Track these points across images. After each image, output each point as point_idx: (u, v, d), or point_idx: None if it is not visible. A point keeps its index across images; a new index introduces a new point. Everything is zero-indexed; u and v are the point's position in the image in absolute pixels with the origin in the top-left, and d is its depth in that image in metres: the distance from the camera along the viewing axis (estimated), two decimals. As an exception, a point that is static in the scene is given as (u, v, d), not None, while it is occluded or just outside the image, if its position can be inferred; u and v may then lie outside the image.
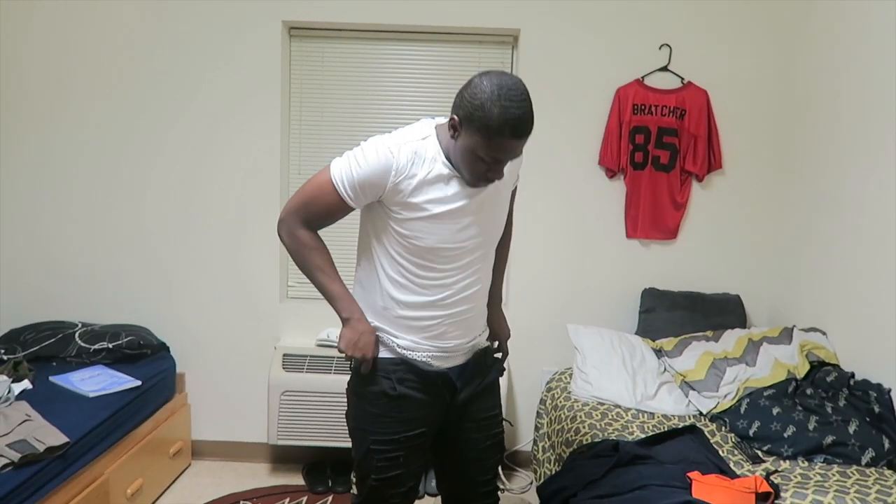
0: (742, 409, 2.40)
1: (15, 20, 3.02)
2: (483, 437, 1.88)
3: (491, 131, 1.52)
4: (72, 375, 2.71)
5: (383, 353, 1.76)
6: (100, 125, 3.10)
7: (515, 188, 1.93)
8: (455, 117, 1.59)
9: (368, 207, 1.72)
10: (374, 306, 1.76)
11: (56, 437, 2.16)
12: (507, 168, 1.69)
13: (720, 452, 2.18)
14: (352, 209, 1.70)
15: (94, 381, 2.68)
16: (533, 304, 3.16)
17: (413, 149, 1.63)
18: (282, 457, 3.22)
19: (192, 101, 3.08)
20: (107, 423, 2.47)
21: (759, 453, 2.21)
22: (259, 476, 3.13)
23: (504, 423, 2.02)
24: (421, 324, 1.74)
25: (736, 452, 2.23)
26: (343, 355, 1.75)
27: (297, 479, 3.08)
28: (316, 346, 3.12)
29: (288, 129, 3.20)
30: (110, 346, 2.90)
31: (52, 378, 2.69)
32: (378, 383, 1.75)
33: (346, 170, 1.65)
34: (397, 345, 1.74)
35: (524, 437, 3.22)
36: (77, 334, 2.95)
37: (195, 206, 3.14)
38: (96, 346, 2.89)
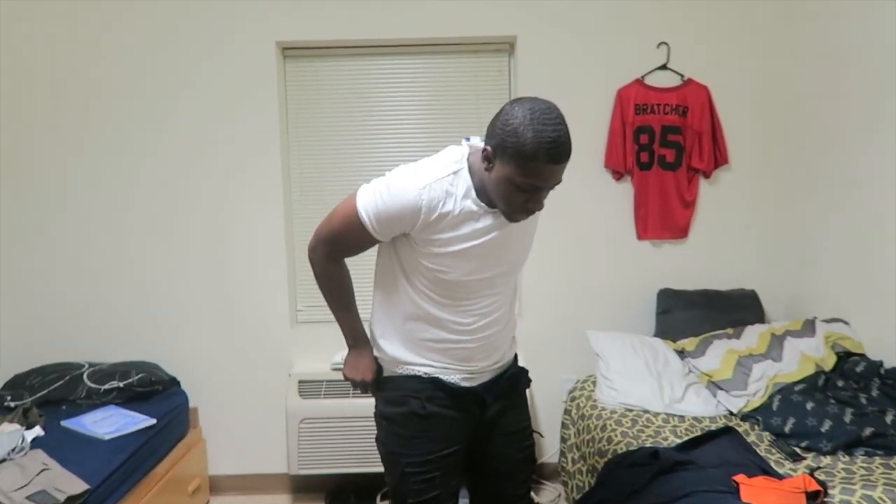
0: (774, 406, 2.36)
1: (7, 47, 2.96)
2: (514, 450, 1.85)
3: (525, 157, 1.44)
4: (84, 418, 2.63)
5: (410, 373, 1.72)
6: (97, 156, 3.03)
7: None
8: (488, 148, 1.51)
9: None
10: (399, 329, 1.72)
11: (76, 486, 2.08)
12: None
13: (758, 452, 2.14)
14: (378, 240, 1.67)
15: (108, 423, 2.59)
16: (548, 312, 3.12)
17: (443, 187, 1.55)
18: (303, 486, 3.14)
19: (189, 129, 3.03)
20: (125, 465, 2.39)
21: (798, 450, 2.17)
22: (281, 507, 3.06)
23: (535, 434, 1.98)
24: (445, 346, 1.70)
25: (774, 451, 2.19)
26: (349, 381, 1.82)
27: (321, 508, 3.01)
28: (331, 370, 3.04)
29: (288, 152, 3.15)
30: (121, 384, 2.82)
31: (63, 422, 2.60)
32: (407, 404, 1.71)
33: (371, 205, 1.59)
34: (424, 365, 1.70)
35: (549, 448, 3.16)
36: (85, 375, 2.86)
37: (196, 235, 3.08)
38: (106, 386, 2.81)
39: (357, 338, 1.82)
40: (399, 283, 1.69)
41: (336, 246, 1.70)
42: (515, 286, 1.86)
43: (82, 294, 3.09)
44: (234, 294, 3.11)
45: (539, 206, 1.55)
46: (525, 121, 1.43)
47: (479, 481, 1.89)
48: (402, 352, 1.72)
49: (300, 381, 2.98)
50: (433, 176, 1.56)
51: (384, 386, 1.77)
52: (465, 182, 1.58)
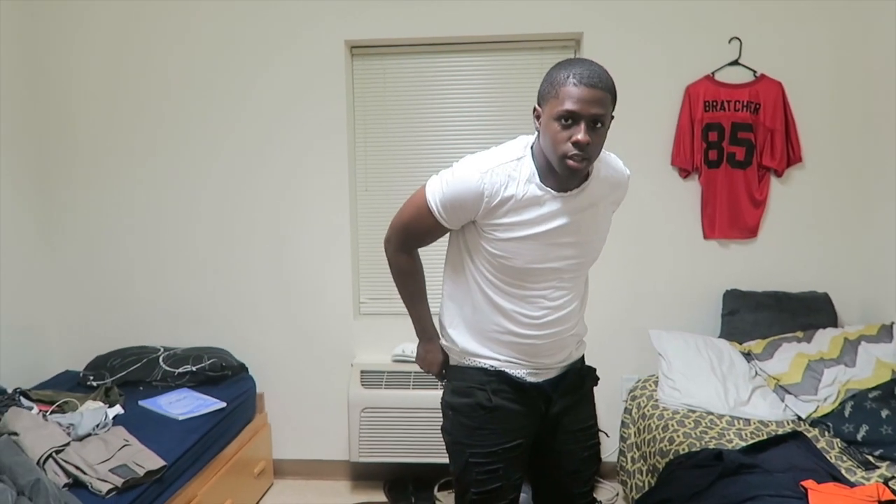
0: (846, 413, 2.29)
1: (64, 49, 3.14)
2: (579, 448, 1.84)
3: (557, 84, 1.52)
4: (160, 399, 2.77)
5: (477, 364, 1.74)
6: (170, 154, 3.17)
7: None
8: (535, 107, 1.61)
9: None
10: (467, 320, 1.75)
11: (153, 461, 2.20)
12: (607, 189, 1.68)
13: (828, 459, 2.08)
14: (448, 229, 1.70)
15: (182, 405, 2.72)
16: (610, 310, 3.08)
17: (506, 171, 1.59)
18: (362, 474, 3.22)
19: (259, 125, 3.13)
20: (197, 445, 2.51)
21: (871, 458, 2.10)
22: (341, 494, 3.14)
23: (600, 433, 1.97)
24: (512, 339, 1.71)
25: (845, 458, 2.13)
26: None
27: (379, 496, 3.07)
28: (392, 361, 3.11)
29: (353, 148, 3.22)
30: (194, 368, 2.95)
31: (141, 402, 2.74)
32: (473, 395, 1.74)
33: (438, 191, 1.64)
34: (490, 358, 1.73)
35: (608, 447, 3.13)
36: (161, 358, 3.01)
37: (264, 229, 3.19)
38: (180, 370, 2.94)
39: (425, 329, 1.89)
40: (467, 273, 1.71)
41: (407, 235, 1.75)
42: (586, 287, 1.84)
43: (160, 284, 3.24)
44: (300, 285, 3.20)
45: (584, 140, 1.49)
46: (561, 65, 1.56)
47: (542, 477, 1.90)
48: (470, 343, 1.74)
49: (362, 372, 3.05)
50: (496, 161, 1.61)
51: (452, 376, 1.81)
52: (528, 167, 1.61)
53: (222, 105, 3.14)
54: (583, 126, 1.50)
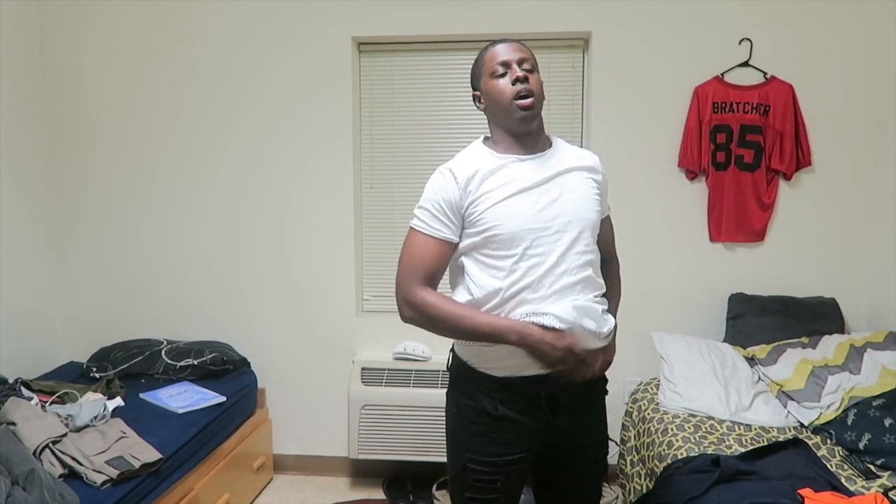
0: (849, 421, 2.25)
1: (79, 49, 3.16)
2: (587, 457, 1.78)
3: (482, 59, 1.72)
4: (160, 392, 2.78)
5: (486, 370, 1.67)
6: (179, 151, 3.19)
7: (608, 217, 1.85)
8: (474, 93, 1.77)
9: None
10: None
11: (150, 454, 2.21)
12: (575, 159, 1.72)
13: (828, 467, 2.05)
14: (451, 246, 1.66)
15: (182, 398, 2.73)
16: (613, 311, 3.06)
17: (463, 156, 1.71)
18: (362, 471, 3.22)
19: (266, 122, 3.14)
20: (195, 438, 2.51)
21: (872, 468, 2.06)
22: (340, 490, 3.14)
23: (610, 442, 1.92)
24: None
25: (846, 467, 2.09)
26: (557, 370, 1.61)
27: (378, 493, 3.07)
28: (393, 359, 3.11)
29: (359, 144, 3.22)
30: (195, 362, 2.96)
31: (141, 395, 2.76)
32: (479, 400, 1.67)
33: (422, 214, 1.67)
34: (501, 368, 1.65)
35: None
36: (163, 351, 3.02)
37: (269, 224, 3.20)
38: (182, 363, 2.96)
39: (512, 328, 1.58)
40: (466, 276, 1.67)
41: (416, 273, 1.64)
42: (598, 285, 1.72)
43: (165, 277, 3.26)
44: (304, 282, 3.21)
45: (521, 75, 1.65)
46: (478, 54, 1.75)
47: (548, 486, 1.83)
48: (480, 352, 1.66)
49: (363, 369, 3.05)
50: (454, 159, 1.72)
51: (460, 374, 1.73)
52: (483, 150, 1.71)
53: (230, 102, 3.15)
54: (515, 66, 1.67)
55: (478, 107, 1.77)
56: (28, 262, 3.09)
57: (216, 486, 2.62)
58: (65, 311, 3.30)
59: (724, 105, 2.93)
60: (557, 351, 1.56)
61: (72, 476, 2.06)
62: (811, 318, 2.87)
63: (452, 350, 1.77)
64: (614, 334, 1.74)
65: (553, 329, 1.58)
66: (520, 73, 1.65)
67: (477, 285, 1.64)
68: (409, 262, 1.65)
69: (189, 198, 3.22)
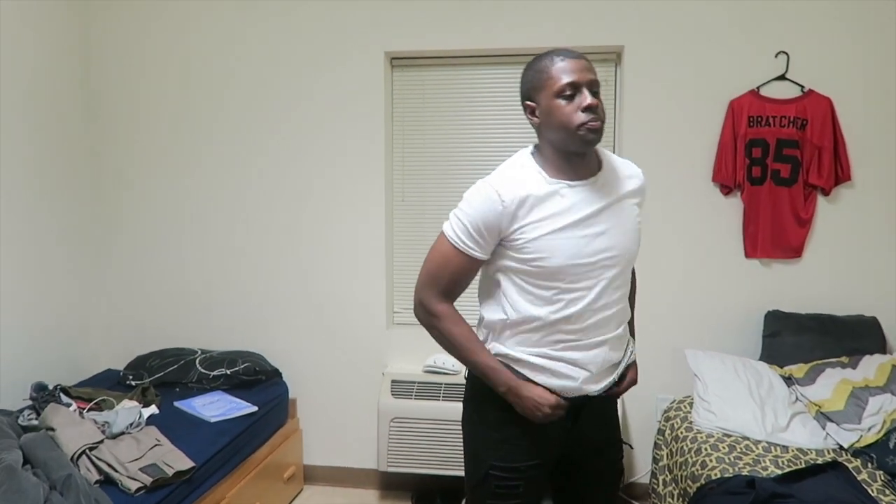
0: (891, 444, 2.18)
1: (113, 59, 3.25)
2: (603, 461, 1.82)
3: (545, 69, 1.59)
4: (194, 401, 2.82)
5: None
6: (215, 166, 3.25)
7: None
8: (526, 103, 1.65)
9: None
10: (505, 343, 1.69)
11: (183, 462, 2.24)
12: (624, 180, 1.68)
13: (869, 492, 1.98)
14: (480, 262, 1.66)
15: (215, 407, 2.77)
16: (647, 328, 2.97)
17: (514, 177, 1.61)
18: (391, 484, 3.22)
19: (299, 135, 3.19)
20: (227, 448, 2.54)
21: (916, 493, 2.00)
22: (369, 502, 3.14)
23: (624, 445, 1.93)
24: (554, 352, 1.64)
25: (887, 492, 2.03)
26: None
27: (407, 507, 3.07)
28: (423, 372, 3.11)
29: (391, 158, 3.24)
30: (228, 372, 3.00)
31: (175, 403, 2.80)
32: (502, 408, 1.69)
33: (458, 227, 1.63)
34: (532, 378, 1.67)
35: (640, 468, 3.07)
36: (197, 361, 3.07)
37: (302, 237, 3.23)
38: (215, 373, 3.00)
39: (506, 378, 1.66)
40: (503, 290, 1.66)
41: (439, 283, 1.66)
42: (628, 314, 1.76)
43: (200, 288, 3.32)
44: (335, 294, 3.24)
45: (594, 103, 1.56)
46: (534, 60, 1.64)
47: (565, 491, 1.87)
48: (511, 355, 1.67)
49: (393, 381, 3.06)
50: (501, 174, 1.63)
51: (482, 384, 1.72)
52: (534, 168, 1.63)
53: (265, 116, 3.20)
54: (586, 92, 1.56)
55: (529, 118, 1.66)
56: (68, 272, 3.17)
57: (247, 495, 2.64)
58: (102, 321, 3.37)
59: (759, 119, 2.89)
60: (540, 410, 1.63)
61: (107, 482, 2.10)
62: (850, 336, 2.80)
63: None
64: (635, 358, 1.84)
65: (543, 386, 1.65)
66: (591, 102, 1.54)
67: (514, 309, 1.64)
68: (435, 271, 1.67)
69: (224, 210, 3.28)
